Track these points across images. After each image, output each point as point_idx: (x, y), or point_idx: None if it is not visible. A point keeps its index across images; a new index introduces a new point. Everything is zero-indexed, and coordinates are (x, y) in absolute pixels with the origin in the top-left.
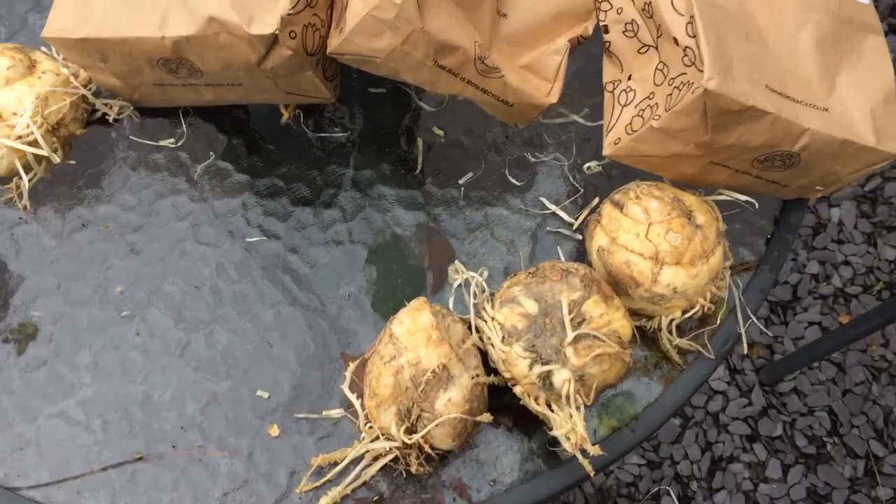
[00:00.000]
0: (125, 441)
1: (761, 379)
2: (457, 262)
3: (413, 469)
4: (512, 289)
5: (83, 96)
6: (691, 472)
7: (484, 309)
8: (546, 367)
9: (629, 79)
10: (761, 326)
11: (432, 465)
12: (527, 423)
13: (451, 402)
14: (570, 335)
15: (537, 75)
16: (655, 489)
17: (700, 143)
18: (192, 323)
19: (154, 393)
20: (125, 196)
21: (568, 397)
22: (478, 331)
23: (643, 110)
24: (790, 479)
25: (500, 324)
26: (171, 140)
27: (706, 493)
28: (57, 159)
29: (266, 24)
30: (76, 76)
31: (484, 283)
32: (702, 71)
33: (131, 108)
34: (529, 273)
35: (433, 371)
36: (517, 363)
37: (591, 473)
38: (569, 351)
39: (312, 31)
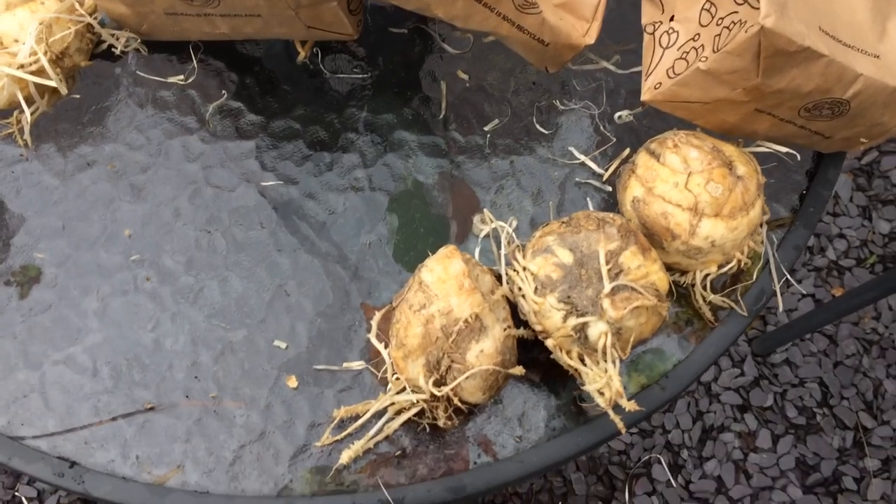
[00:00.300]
0: (135, 390)
1: (753, 350)
2: (486, 210)
3: (441, 423)
4: (545, 238)
5: (88, 25)
6: (682, 440)
7: (515, 259)
8: (582, 319)
9: (671, 20)
10: (795, 283)
11: (459, 419)
12: (554, 379)
13: (483, 354)
14: (608, 286)
15: (574, 14)
16: (647, 457)
17: (748, 87)
18: (205, 269)
19: (165, 341)
20: (132, 134)
21: (604, 351)
22: (507, 282)
23: (687, 52)
24: (780, 449)
25: (532, 274)
26: (181, 77)
27: (696, 461)
28: (65, 90)
29: None
30: (81, 3)
31: (513, 233)
32: (757, 8)
33: (138, 40)
34: (563, 223)
35: (465, 321)
36: (550, 315)
37: (622, 430)
38: (606, 303)
39: None
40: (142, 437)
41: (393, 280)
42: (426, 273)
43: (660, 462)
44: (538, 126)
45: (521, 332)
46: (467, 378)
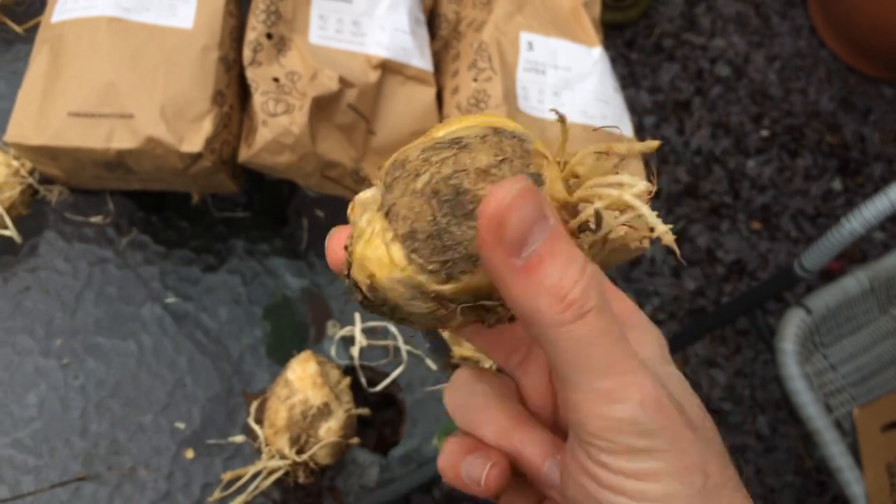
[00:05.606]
0: (69, 463)
1: None
2: (331, 320)
3: (301, 480)
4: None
5: (30, 183)
6: None
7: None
8: None
9: None
10: None
11: (315, 477)
12: (384, 447)
13: (330, 430)
14: None
15: None
16: None
17: None
18: (121, 368)
19: (91, 425)
20: (62, 264)
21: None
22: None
23: None
24: None
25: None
26: (100, 217)
27: None
28: (19, 239)
29: (194, 143)
30: (23, 166)
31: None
32: None
33: (68, 190)
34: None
35: (318, 407)
36: None
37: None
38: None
39: (227, 145)
40: (74, 501)
41: (266, 372)
42: (290, 373)
43: None
44: None
45: (358, 411)
46: (320, 447)
